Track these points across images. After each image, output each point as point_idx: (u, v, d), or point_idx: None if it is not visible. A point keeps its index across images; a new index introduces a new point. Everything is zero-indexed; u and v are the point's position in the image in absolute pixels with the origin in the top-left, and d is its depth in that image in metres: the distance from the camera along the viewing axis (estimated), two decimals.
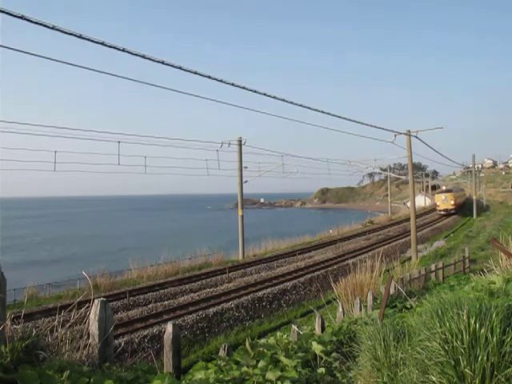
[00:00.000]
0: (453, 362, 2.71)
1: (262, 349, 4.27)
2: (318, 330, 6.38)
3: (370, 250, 31.46)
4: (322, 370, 4.13)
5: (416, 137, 27.42)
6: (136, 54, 10.54)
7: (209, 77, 12.29)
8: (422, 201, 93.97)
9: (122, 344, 13.37)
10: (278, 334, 5.75)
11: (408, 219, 46.57)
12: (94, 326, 3.42)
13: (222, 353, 4.28)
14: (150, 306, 18.47)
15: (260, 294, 20.44)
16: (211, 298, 19.64)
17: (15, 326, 3.25)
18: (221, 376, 3.54)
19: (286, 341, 4.95)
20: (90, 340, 3.45)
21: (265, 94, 14.29)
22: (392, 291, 10.56)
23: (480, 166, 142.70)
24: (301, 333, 5.94)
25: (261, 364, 3.78)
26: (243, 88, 13.38)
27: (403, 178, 75.81)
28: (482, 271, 8.51)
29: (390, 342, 3.63)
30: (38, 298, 20.46)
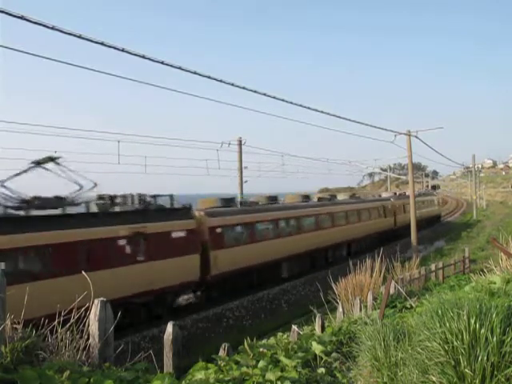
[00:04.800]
0: (453, 362, 2.71)
1: (261, 349, 4.27)
2: (318, 330, 6.38)
3: (370, 250, 31.43)
4: (321, 370, 4.13)
5: (416, 137, 27.44)
6: (136, 54, 10.55)
7: (208, 77, 12.30)
8: None
9: (122, 344, 13.32)
10: (278, 334, 5.75)
11: None
12: (94, 327, 3.42)
13: (221, 353, 4.28)
14: None
15: (260, 294, 20.42)
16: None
17: (15, 326, 3.25)
18: (221, 376, 3.54)
19: (286, 341, 4.96)
20: (90, 340, 3.45)
21: (265, 94, 14.31)
22: (392, 291, 10.56)
23: (480, 166, 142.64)
24: (301, 333, 5.94)
25: (261, 364, 3.79)
26: (243, 88, 13.39)
27: (403, 178, 75.77)
28: (482, 271, 8.51)
29: (390, 342, 3.63)
30: None
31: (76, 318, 3.67)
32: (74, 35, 9.34)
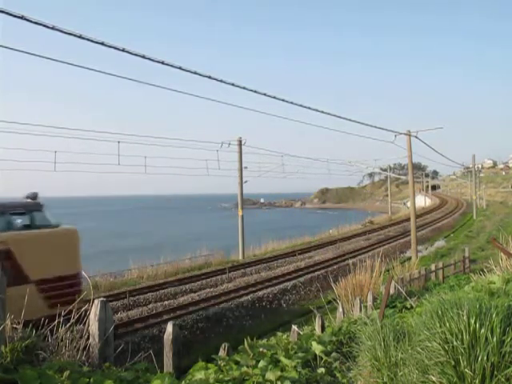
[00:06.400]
0: (453, 362, 2.71)
1: (261, 349, 4.27)
2: (318, 330, 6.37)
3: (370, 250, 31.45)
4: (321, 370, 4.13)
5: (416, 137, 27.42)
6: (136, 54, 10.54)
7: (209, 77, 12.30)
8: (421, 201, 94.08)
9: (122, 344, 13.35)
10: (278, 334, 5.75)
11: (408, 219, 46.56)
12: (94, 327, 3.42)
13: (221, 353, 4.28)
14: (150, 306, 18.45)
15: (260, 293, 20.44)
16: (211, 298, 19.63)
17: (15, 326, 3.25)
18: (221, 376, 3.53)
19: (286, 341, 4.96)
20: (90, 340, 3.45)
21: (265, 94, 14.30)
22: (392, 291, 10.57)
23: (480, 166, 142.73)
24: (301, 333, 5.94)
25: (261, 364, 3.78)
26: (243, 88, 13.39)
27: (403, 178, 75.78)
28: (482, 271, 8.50)
29: (389, 342, 3.63)
30: None
31: (76, 317, 3.67)
32: (74, 35, 9.34)
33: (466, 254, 21.81)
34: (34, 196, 11.18)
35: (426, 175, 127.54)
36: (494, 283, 6.19)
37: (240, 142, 31.99)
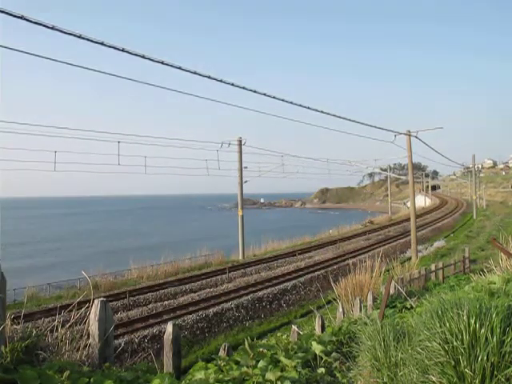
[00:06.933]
0: (453, 362, 2.71)
1: (261, 349, 4.27)
2: (318, 330, 6.37)
3: (370, 250, 31.46)
4: (321, 370, 4.13)
5: (416, 137, 27.41)
6: (136, 54, 10.54)
7: (209, 77, 12.29)
8: (421, 201, 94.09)
9: (122, 344, 13.36)
10: (278, 334, 5.75)
11: (408, 219, 46.56)
12: (94, 326, 3.41)
13: (221, 353, 4.28)
14: (150, 306, 18.47)
15: (260, 294, 20.43)
16: (211, 298, 19.64)
17: (15, 326, 3.25)
18: (221, 376, 3.53)
19: (286, 341, 4.95)
20: (90, 340, 3.44)
21: (265, 94, 14.30)
22: (392, 291, 10.56)
23: (480, 166, 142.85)
24: (301, 333, 5.94)
25: (261, 364, 3.78)
26: (243, 88, 13.38)
27: (403, 178, 75.76)
28: (482, 271, 8.49)
29: (389, 342, 3.62)
30: (38, 298, 20.47)
31: (76, 317, 3.67)
32: (74, 35, 9.34)
33: (466, 254, 21.79)
34: None
35: (426, 175, 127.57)
36: (494, 283, 6.18)
37: (240, 142, 31.98)
